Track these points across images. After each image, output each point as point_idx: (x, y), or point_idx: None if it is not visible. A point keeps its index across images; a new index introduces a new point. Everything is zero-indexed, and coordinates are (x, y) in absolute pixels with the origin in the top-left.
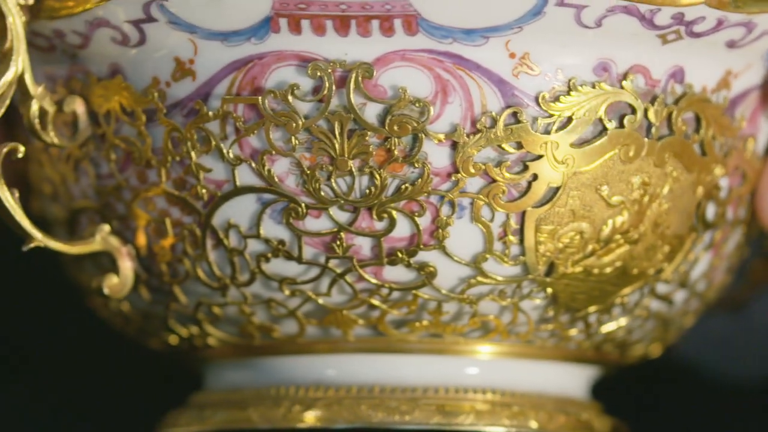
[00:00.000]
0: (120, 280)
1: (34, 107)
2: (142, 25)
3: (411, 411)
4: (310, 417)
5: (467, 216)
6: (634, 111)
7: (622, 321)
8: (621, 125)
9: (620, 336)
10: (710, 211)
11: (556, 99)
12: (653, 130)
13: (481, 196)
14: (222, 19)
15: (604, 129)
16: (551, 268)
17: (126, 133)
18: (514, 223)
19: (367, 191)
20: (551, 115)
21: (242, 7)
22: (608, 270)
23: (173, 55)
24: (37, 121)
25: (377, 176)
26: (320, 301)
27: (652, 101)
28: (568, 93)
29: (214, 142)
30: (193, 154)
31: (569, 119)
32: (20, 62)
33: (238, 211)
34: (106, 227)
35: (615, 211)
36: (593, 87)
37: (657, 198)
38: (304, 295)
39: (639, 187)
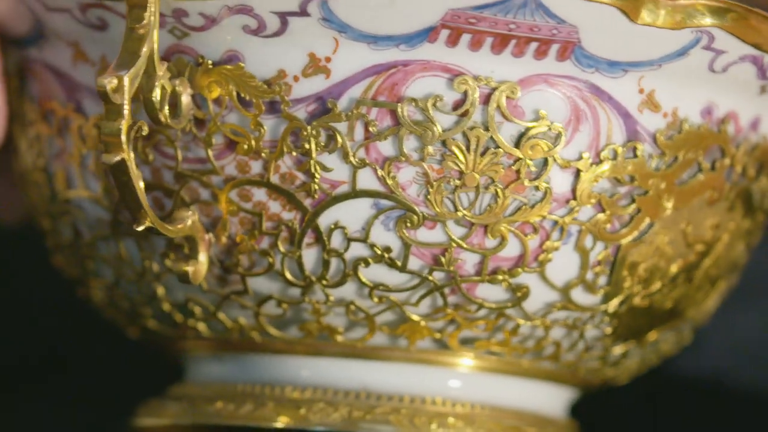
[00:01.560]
0: (197, 267)
1: (158, 86)
2: (288, 17)
3: (378, 417)
4: (283, 417)
5: (572, 243)
6: (723, 155)
7: (635, 353)
8: (713, 168)
9: (625, 364)
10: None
11: (670, 138)
12: (734, 175)
13: (589, 225)
14: (380, 23)
15: (700, 170)
16: (625, 301)
17: (234, 121)
18: (609, 255)
19: (488, 208)
20: (663, 153)
21: (411, 14)
22: (667, 306)
23: (309, 50)
24: (157, 100)
25: (501, 195)
26: (407, 311)
27: (737, 147)
28: (679, 132)
29: (340, 143)
30: (314, 151)
31: (676, 158)
32: (155, 37)
33: (350, 213)
34: (194, 213)
35: (689, 250)
36: (698, 129)
37: (720, 241)
38: (389, 303)
39: (711, 228)
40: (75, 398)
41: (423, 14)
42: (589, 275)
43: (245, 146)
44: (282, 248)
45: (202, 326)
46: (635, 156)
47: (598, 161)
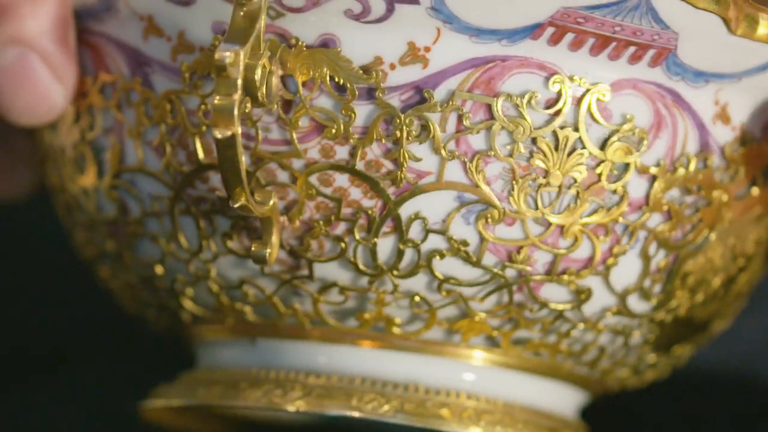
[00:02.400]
0: (272, 250)
1: (260, 65)
2: (396, 3)
3: (388, 405)
4: (297, 401)
5: (637, 249)
6: None
7: (662, 363)
8: (765, 184)
9: (648, 374)
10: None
11: (735, 151)
12: None
13: (656, 232)
14: (489, 17)
15: (755, 185)
16: (672, 311)
17: (324, 104)
18: (669, 263)
19: (567, 209)
20: (728, 166)
21: (522, 10)
22: (702, 319)
23: (409, 39)
24: (258, 78)
25: (581, 196)
26: (471, 306)
27: None
28: (742, 146)
29: (432, 133)
30: (405, 140)
31: (737, 172)
32: (263, 15)
33: (432, 204)
34: (275, 195)
35: (732, 264)
36: (758, 144)
37: (758, 256)
38: (455, 297)
39: (753, 243)
40: (78, 392)
41: (534, 10)
42: (647, 282)
43: (333, 131)
44: (357, 235)
45: (248, 309)
46: (705, 167)
47: (673, 169)
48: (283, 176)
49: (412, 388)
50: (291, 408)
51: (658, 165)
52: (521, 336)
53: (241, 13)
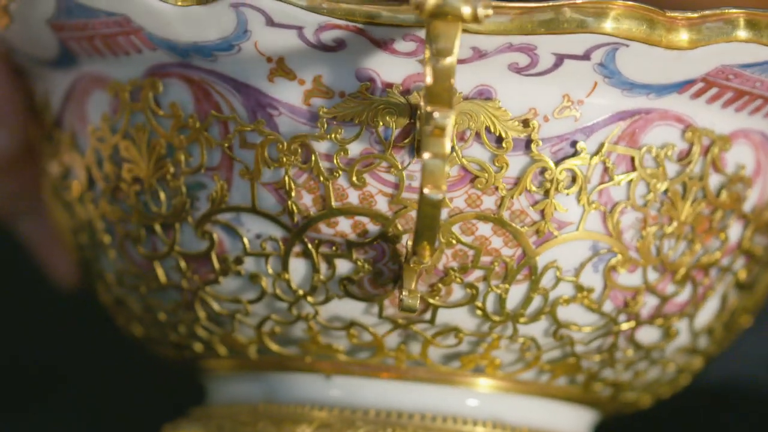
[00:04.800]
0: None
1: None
2: (567, 59)
3: None
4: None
5: (721, 290)
6: None
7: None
8: None
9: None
10: None
11: None
12: None
13: (739, 274)
14: (649, 73)
15: None
16: (718, 343)
17: (475, 154)
18: (736, 304)
19: (681, 255)
20: None
21: (685, 66)
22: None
23: (565, 91)
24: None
25: (695, 243)
26: (577, 349)
27: None
28: None
29: (579, 185)
30: (552, 191)
31: None
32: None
33: (567, 253)
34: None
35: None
36: None
37: None
38: (567, 341)
39: None
40: (77, 411)
41: (696, 68)
42: (716, 324)
43: (484, 181)
44: (492, 283)
45: (341, 347)
46: None
47: (761, 213)
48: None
49: (429, 416)
50: None
51: (753, 210)
52: (605, 376)
53: (439, 68)
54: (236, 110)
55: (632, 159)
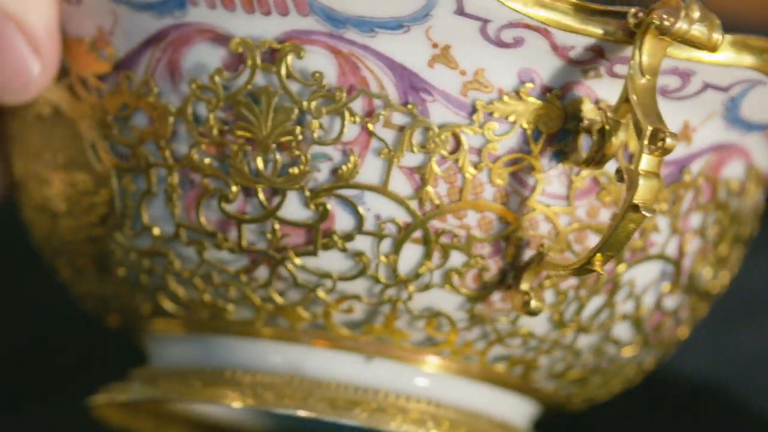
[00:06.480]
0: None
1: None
2: (711, 89)
3: (341, 407)
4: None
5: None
6: None
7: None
8: None
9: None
10: None
11: None
12: None
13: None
14: (762, 112)
15: None
16: None
17: (607, 167)
18: None
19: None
20: None
21: None
22: None
23: (687, 118)
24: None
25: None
26: (616, 364)
27: None
28: None
29: (676, 211)
30: (658, 213)
31: None
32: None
33: (643, 273)
34: None
35: None
36: None
37: None
38: (602, 356)
39: None
40: (78, 412)
41: None
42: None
43: (607, 197)
44: (580, 293)
45: (412, 335)
46: None
47: None
48: (544, 227)
49: (335, 385)
50: (236, 404)
51: None
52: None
53: (643, 82)
54: (386, 89)
55: (714, 190)
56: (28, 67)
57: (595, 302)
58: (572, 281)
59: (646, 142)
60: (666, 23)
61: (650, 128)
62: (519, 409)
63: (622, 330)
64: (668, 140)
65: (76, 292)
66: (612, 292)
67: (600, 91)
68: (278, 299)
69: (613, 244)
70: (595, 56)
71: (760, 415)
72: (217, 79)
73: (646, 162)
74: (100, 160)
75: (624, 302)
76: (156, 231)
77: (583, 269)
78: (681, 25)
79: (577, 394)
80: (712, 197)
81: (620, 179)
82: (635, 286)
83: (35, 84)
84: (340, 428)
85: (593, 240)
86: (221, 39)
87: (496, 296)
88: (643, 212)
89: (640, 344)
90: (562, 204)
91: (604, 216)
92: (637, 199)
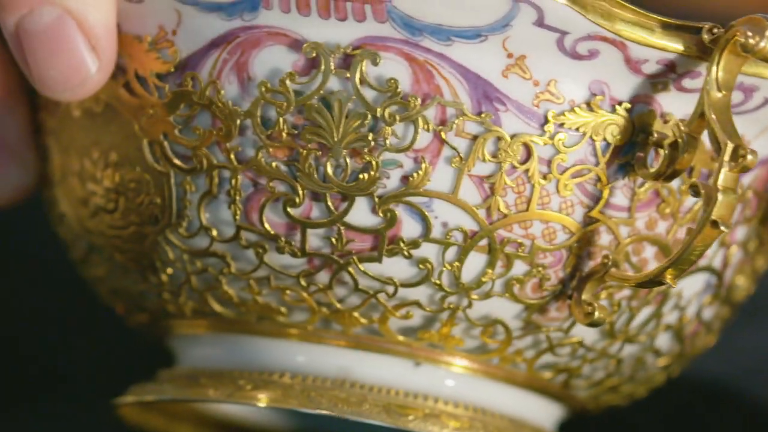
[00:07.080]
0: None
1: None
2: None
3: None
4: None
5: None
6: None
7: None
8: None
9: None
10: None
11: None
12: None
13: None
14: None
15: None
16: None
17: (674, 183)
18: None
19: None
20: None
21: None
22: None
23: (743, 132)
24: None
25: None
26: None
27: None
28: None
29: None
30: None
31: None
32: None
33: (692, 284)
34: None
35: None
36: None
37: None
38: (641, 366)
39: None
40: (78, 412)
41: None
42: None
43: (667, 210)
44: (632, 304)
45: (466, 343)
46: None
47: None
48: (605, 239)
49: (386, 390)
50: (260, 403)
51: None
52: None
53: (719, 97)
54: (460, 97)
55: (759, 203)
56: (86, 64)
57: (644, 313)
58: (626, 292)
59: (726, 158)
60: (751, 41)
61: (731, 145)
62: (554, 415)
63: (663, 340)
64: (749, 157)
65: (106, 288)
66: (661, 303)
67: (666, 105)
68: (336, 303)
69: (687, 259)
70: (666, 70)
71: (760, 415)
72: (288, 83)
73: (723, 177)
74: (157, 160)
75: (670, 313)
76: (214, 232)
77: (652, 282)
78: (766, 45)
79: (606, 400)
80: (756, 210)
81: (695, 194)
82: (682, 297)
83: (92, 81)
84: (359, 427)
85: (650, 251)
86: (293, 43)
87: (552, 305)
88: (722, 228)
89: (676, 354)
90: (623, 215)
91: (662, 228)
92: (715, 214)
